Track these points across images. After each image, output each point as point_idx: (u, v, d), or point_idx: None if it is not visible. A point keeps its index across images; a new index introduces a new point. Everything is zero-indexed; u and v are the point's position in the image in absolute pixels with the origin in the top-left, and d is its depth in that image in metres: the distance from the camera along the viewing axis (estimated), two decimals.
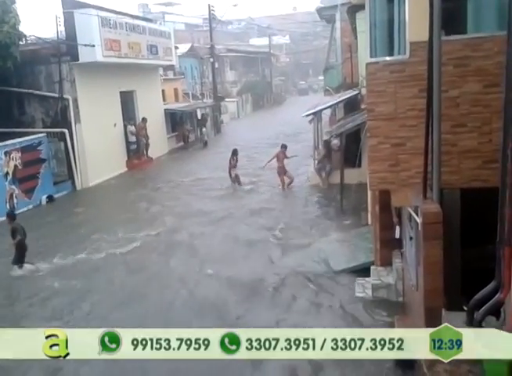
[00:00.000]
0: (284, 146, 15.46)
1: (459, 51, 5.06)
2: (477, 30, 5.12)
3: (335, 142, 14.39)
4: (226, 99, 37.83)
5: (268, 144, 24.19)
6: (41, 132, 15.92)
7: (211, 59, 32.61)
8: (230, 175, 15.95)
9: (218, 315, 7.45)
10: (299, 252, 9.81)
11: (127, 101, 20.56)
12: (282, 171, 15.10)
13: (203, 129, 26.66)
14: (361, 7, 10.90)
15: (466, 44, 5.06)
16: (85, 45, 15.81)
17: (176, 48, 26.95)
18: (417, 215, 5.15)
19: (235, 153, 16.01)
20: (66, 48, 16.24)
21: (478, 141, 5.21)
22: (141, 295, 8.27)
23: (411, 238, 5.88)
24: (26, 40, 16.73)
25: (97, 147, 17.37)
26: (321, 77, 38.51)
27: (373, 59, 5.49)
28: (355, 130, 12.14)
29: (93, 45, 15.92)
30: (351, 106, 15.66)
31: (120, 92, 19.72)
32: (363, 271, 8.29)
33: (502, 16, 3.37)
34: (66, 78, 16.46)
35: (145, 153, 21.00)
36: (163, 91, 25.39)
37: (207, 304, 7.84)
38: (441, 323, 4.19)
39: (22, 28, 15.81)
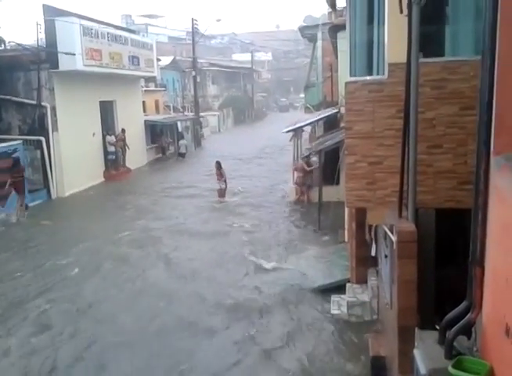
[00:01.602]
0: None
1: (437, 73, 5.16)
2: (454, 53, 5.23)
3: (314, 159, 14.50)
4: (208, 113, 37.90)
5: (247, 159, 24.31)
6: (18, 139, 15.64)
7: (193, 73, 32.69)
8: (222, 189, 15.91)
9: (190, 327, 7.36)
10: (275, 268, 9.77)
11: (106, 111, 20.41)
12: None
13: (181, 141, 26.56)
14: (342, 27, 11.14)
15: (443, 66, 5.16)
16: (66, 53, 15.70)
17: (158, 60, 26.94)
18: (392, 233, 5.19)
19: (218, 166, 15.97)
20: (46, 56, 16.10)
21: (454, 162, 5.29)
22: None
23: (386, 256, 5.91)
24: (5, 46, 16.53)
25: (74, 157, 17.14)
26: (302, 95, 39.01)
27: (353, 79, 5.57)
28: (334, 148, 12.25)
29: (74, 54, 15.83)
30: (331, 124, 15.84)
31: (100, 102, 19.58)
32: (339, 288, 8.31)
33: (479, 41, 3.46)
34: (45, 86, 16.28)
35: (123, 163, 20.81)
36: (144, 102, 25.32)
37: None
38: (414, 342, 4.22)
39: (1, 33, 15.64)
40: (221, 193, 15.82)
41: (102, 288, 9.06)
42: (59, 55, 15.83)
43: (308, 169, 14.71)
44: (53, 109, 16.44)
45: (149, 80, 27.35)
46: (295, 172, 15.33)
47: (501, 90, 3.06)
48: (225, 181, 15.90)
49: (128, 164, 21.11)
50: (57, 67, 16.02)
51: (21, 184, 14.55)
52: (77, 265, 10.19)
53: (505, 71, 3.05)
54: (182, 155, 25.93)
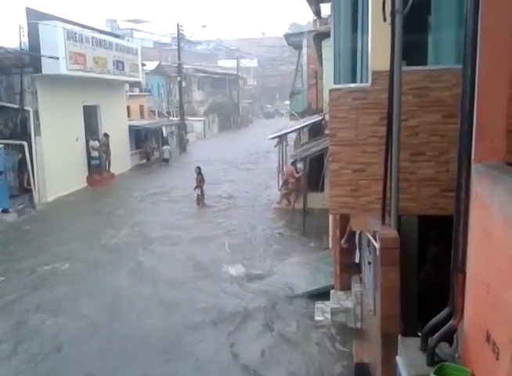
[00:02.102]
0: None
1: (419, 81, 5.20)
2: (437, 62, 5.28)
3: (299, 166, 14.54)
4: (193, 119, 37.83)
5: (233, 164, 24.31)
6: None
7: (179, 78, 32.65)
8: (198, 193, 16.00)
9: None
10: (259, 275, 9.74)
11: (90, 116, 20.23)
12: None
13: (164, 147, 26.45)
14: (327, 35, 11.23)
15: (426, 75, 5.21)
16: (49, 57, 15.51)
17: (143, 65, 26.85)
18: (376, 240, 5.21)
19: (199, 171, 16.08)
20: (29, 60, 15.87)
21: (436, 170, 5.33)
22: None
23: (369, 263, 5.93)
24: None
25: (57, 161, 16.93)
26: (287, 102, 39.13)
27: (337, 86, 5.59)
28: (319, 155, 12.31)
29: (57, 58, 15.65)
30: (316, 131, 15.93)
31: (84, 107, 19.41)
32: (323, 295, 8.31)
33: (461, 50, 3.51)
34: (27, 90, 16.06)
35: (106, 168, 20.62)
36: (128, 107, 25.18)
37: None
38: (397, 349, 4.22)
39: None
40: (200, 198, 15.93)
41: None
42: (43, 59, 15.63)
43: (297, 175, 14.70)
44: (36, 113, 16.21)
45: (134, 85, 27.23)
46: (289, 178, 15.29)
47: (482, 98, 3.10)
48: (201, 187, 16.01)
49: (111, 170, 20.90)
50: (40, 71, 15.82)
51: None
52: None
53: (485, 80, 3.09)
54: (166, 161, 25.84)
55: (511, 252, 2.52)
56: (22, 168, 15.73)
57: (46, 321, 7.85)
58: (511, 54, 3.14)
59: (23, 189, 15.73)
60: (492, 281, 2.87)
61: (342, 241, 7.50)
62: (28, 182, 15.68)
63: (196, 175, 16.07)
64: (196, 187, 15.99)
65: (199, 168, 16.31)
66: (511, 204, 2.49)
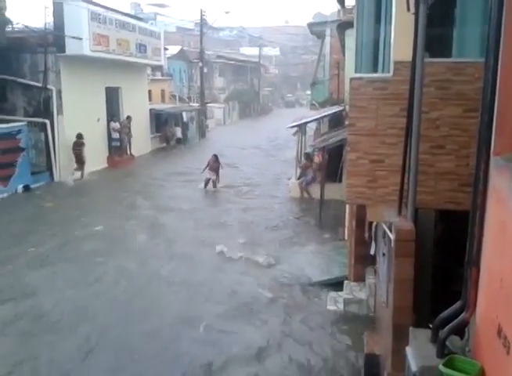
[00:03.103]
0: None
1: (442, 74, 5.14)
2: (460, 56, 5.22)
3: (317, 155, 14.49)
4: (213, 105, 37.87)
5: (251, 152, 24.32)
6: (22, 121, 15.67)
7: (200, 64, 32.65)
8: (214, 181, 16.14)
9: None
10: (273, 262, 9.79)
11: (112, 97, 20.42)
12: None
13: (176, 128, 26.56)
14: (350, 24, 11.09)
15: (449, 67, 5.14)
16: (73, 38, 15.69)
17: (166, 49, 26.91)
18: (391, 231, 5.20)
19: (216, 159, 16.27)
20: (53, 39, 16.10)
21: (456, 164, 5.28)
22: None
23: (384, 254, 5.92)
24: (13, 27, 16.51)
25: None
26: (308, 92, 38.88)
27: (358, 75, 5.56)
28: (338, 145, 12.23)
29: (81, 38, 15.83)
30: (336, 121, 15.81)
31: (106, 88, 19.59)
32: (336, 285, 8.33)
33: (485, 45, 3.48)
34: (51, 69, 16.28)
35: (127, 150, 20.83)
36: (149, 91, 25.31)
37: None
38: (407, 340, 4.24)
39: (9, 14, 15.64)
40: (214, 183, 16.18)
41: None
42: (66, 39, 15.82)
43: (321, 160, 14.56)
44: (59, 92, 16.44)
45: (156, 69, 27.33)
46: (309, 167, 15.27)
47: (503, 91, 3.07)
48: (214, 173, 16.19)
49: (132, 152, 21.14)
50: (64, 51, 16.01)
51: None
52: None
53: (507, 73, 3.06)
54: (179, 140, 25.96)
55: None
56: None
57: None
58: None
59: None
60: (505, 275, 2.86)
61: (366, 234, 7.47)
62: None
63: (212, 163, 16.19)
64: (211, 173, 16.14)
65: (215, 155, 16.48)
66: None
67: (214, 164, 16.18)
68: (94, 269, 9.27)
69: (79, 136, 16.98)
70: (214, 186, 16.19)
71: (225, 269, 9.55)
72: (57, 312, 7.60)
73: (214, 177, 16.16)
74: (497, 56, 3.15)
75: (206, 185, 16.16)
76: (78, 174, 16.96)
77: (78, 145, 17.00)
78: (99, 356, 6.42)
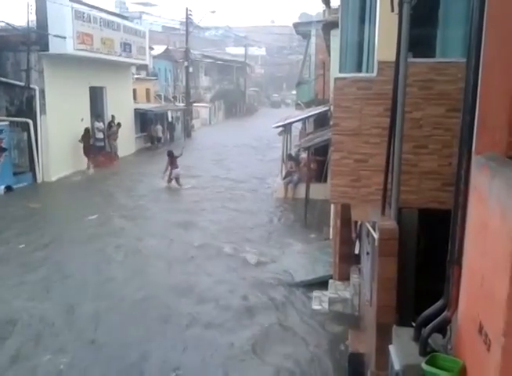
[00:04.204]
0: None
1: (425, 74, 5.18)
2: (443, 55, 5.27)
3: (303, 156, 14.52)
4: (199, 105, 37.74)
5: (237, 153, 24.30)
6: (4, 121, 15.44)
7: (186, 63, 32.52)
8: (169, 176, 16.26)
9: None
10: (259, 263, 9.79)
11: (96, 97, 20.24)
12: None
13: (157, 126, 26.38)
14: (335, 24, 11.09)
15: (432, 67, 5.19)
16: (56, 36, 15.49)
17: (151, 48, 26.75)
18: (375, 230, 5.22)
19: (170, 154, 16.34)
20: (37, 38, 15.89)
21: (438, 163, 5.33)
22: None
23: (368, 253, 5.95)
24: None
25: (62, 141, 17.00)
26: (294, 92, 38.98)
27: (342, 75, 5.57)
28: (323, 145, 12.28)
29: (64, 37, 15.64)
30: (321, 121, 15.88)
31: (90, 87, 19.40)
32: (322, 284, 8.35)
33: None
34: (34, 68, 16.07)
35: (113, 152, 20.67)
36: (134, 90, 25.12)
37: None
38: (391, 339, 4.26)
39: None
40: (170, 179, 16.27)
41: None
42: (50, 37, 15.62)
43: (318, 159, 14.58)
44: (42, 92, 16.24)
45: (141, 68, 27.15)
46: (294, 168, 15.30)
47: (484, 91, 3.10)
48: (172, 169, 16.25)
49: (116, 152, 20.97)
50: (47, 50, 15.82)
51: None
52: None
53: (489, 72, 3.09)
54: (159, 140, 25.80)
55: (506, 245, 2.53)
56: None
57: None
58: None
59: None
60: (486, 273, 2.89)
61: (353, 234, 7.50)
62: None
63: (168, 158, 16.29)
64: (172, 169, 16.23)
65: (171, 151, 16.65)
66: (508, 197, 2.50)
67: (170, 160, 16.25)
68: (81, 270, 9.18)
69: (87, 130, 18.18)
70: (178, 183, 16.30)
71: (207, 267, 9.53)
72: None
73: (178, 171, 16.28)
74: (479, 56, 3.18)
75: (172, 181, 16.27)
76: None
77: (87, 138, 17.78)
78: None
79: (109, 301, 7.93)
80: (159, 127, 26.62)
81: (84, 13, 16.90)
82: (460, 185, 3.30)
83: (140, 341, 6.74)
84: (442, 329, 3.72)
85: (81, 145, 18.42)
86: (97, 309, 7.66)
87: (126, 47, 20.64)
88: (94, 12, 17.84)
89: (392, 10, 4.61)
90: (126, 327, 7.16)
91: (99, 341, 6.77)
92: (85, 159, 18.76)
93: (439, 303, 3.66)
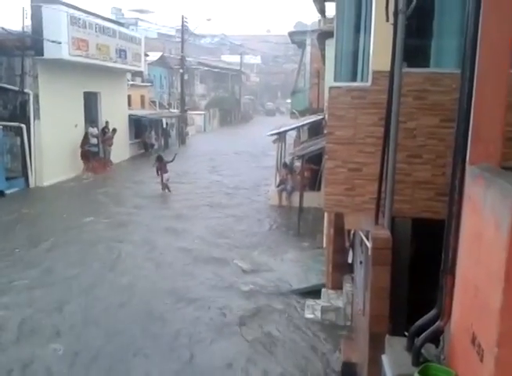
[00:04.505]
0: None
1: (420, 84, 5.21)
2: (438, 66, 5.31)
3: (297, 164, 14.54)
4: (194, 112, 37.79)
5: (232, 160, 24.31)
6: None
7: (181, 70, 32.58)
8: (162, 181, 16.30)
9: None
10: (250, 271, 9.75)
11: (90, 103, 20.21)
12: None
13: (151, 133, 26.38)
14: (330, 34, 11.19)
15: (426, 78, 5.22)
16: (51, 41, 15.47)
17: (146, 55, 26.78)
18: (368, 239, 5.22)
19: (160, 159, 16.44)
20: (32, 43, 15.85)
21: (432, 173, 5.35)
22: None
23: (361, 262, 5.94)
24: None
25: (55, 146, 16.92)
26: (289, 100, 39.10)
27: (337, 84, 5.60)
28: (317, 154, 12.30)
29: (60, 42, 15.62)
30: (316, 130, 15.94)
31: (84, 93, 19.38)
32: (314, 293, 8.33)
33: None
34: (28, 73, 16.03)
35: (107, 158, 20.60)
36: (129, 96, 25.11)
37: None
38: (384, 348, 4.24)
39: None
40: (164, 184, 16.33)
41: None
42: (45, 42, 15.60)
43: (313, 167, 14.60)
44: (36, 96, 16.19)
45: (136, 74, 27.17)
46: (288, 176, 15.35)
47: (479, 102, 3.11)
48: (161, 174, 16.28)
49: (110, 158, 20.91)
50: (42, 55, 15.79)
51: None
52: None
53: (483, 84, 3.11)
54: (152, 146, 25.81)
55: (500, 256, 2.53)
56: None
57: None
58: (509, 59, 3.17)
59: None
60: (480, 284, 2.89)
61: (346, 243, 7.50)
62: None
63: (157, 164, 16.36)
64: (162, 174, 16.27)
65: (160, 156, 16.79)
66: (503, 208, 2.51)
67: (159, 165, 16.30)
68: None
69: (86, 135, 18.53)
70: (167, 188, 16.36)
71: (196, 273, 9.50)
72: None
73: (167, 175, 16.32)
74: (473, 66, 3.20)
75: (166, 187, 16.32)
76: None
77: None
78: None
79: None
80: (153, 133, 26.63)
81: (79, 19, 16.91)
82: (454, 195, 3.31)
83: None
84: (435, 339, 3.71)
85: (77, 150, 18.40)
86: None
87: (121, 53, 20.66)
88: (90, 18, 17.86)
89: (387, 20, 4.64)
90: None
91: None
92: (80, 165, 18.75)
93: (432, 313, 3.65)
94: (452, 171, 3.33)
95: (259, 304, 8.24)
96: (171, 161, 16.79)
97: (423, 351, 3.66)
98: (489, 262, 2.70)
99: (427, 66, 5.37)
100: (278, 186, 15.61)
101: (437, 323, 3.57)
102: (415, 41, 5.18)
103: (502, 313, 2.49)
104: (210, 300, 8.32)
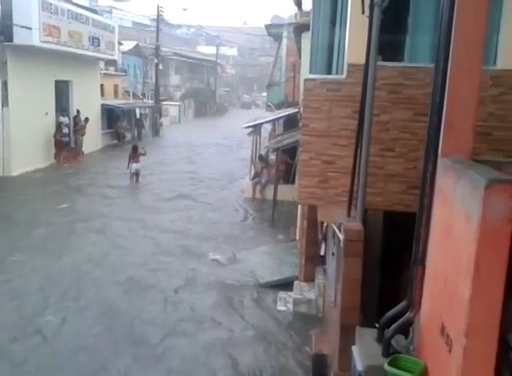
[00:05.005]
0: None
1: (394, 78, 5.24)
2: (412, 61, 5.35)
3: (272, 157, 14.53)
4: (168, 103, 37.35)
5: (207, 152, 24.15)
6: None
7: (156, 60, 32.10)
8: (130, 170, 16.11)
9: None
10: (224, 263, 9.72)
11: (61, 91, 19.74)
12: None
13: (123, 123, 25.97)
14: (307, 27, 11.15)
15: (400, 72, 5.25)
16: (21, 27, 15.01)
17: (120, 44, 26.32)
18: (340, 231, 5.25)
19: (135, 148, 16.27)
20: (1, 28, 15.35)
21: (404, 166, 5.40)
22: None
23: (333, 254, 5.98)
24: None
25: (25, 135, 16.47)
26: (264, 93, 39.08)
27: (312, 76, 5.58)
28: (292, 147, 12.32)
29: (30, 28, 15.18)
30: (291, 123, 15.94)
31: (56, 81, 18.90)
32: (287, 285, 8.35)
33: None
34: None
35: (79, 148, 20.17)
36: (102, 86, 24.62)
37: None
38: (354, 340, 4.27)
39: None
40: (136, 177, 16.14)
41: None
42: (15, 28, 15.14)
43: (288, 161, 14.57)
44: (4, 83, 15.70)
45: (109, 63, 26.63)
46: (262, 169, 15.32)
47: (452, 95, 3.14)
48: (131, 163, 16.10)
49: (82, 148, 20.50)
50: (11, 41, 15.33)
51: None
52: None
53: (456, 77, 3.13)
54: (124, 137, 25.39)
55: (470, 247, 2.56)
56: None
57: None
58: (482, 54, 3.21)
59: None
60: (449, 275, 2.92)
61: (319, 235, 7.53)
62: None
63: (132, 153, 16.18)
64: (135, 163, 16.07)
65: (135, 146, 16.58)
66: (473, 199, 2.53)
67: (133, 154, 16.15)
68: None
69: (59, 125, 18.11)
70: (136, 178, 16.18)
71: (167, 265, 9.42)
72: None
73: (138, 166, 16.09)
74: (447, 60, 3.22)
75: (135, 178, 16.14)
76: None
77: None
78: None
79: None
80: (125, 124, 26.22)
81: (51, 4, 16.45)
82: (426, 187, 3.33)
83: None
84: (405, 330, 3.75)
85: (48, 139, 17.97)
86: None
87: (94, 41, 20.22)
88: (62, 4, 17.40)
89: (363, 12, 4.65)
90: None
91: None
92: (52, 154, 18.32)
93: (402, 304, 3.69)
94: (424, 164, 3.36)
95: (230, 296, 8.22)
96: (144, 154, 16.55)
97: (393, 342, 3.69)
98: (459, 253, 2.73)
99: (402, 60, 5.41)
100: (252, 178, 15.58)
101: (407, 315, 3.61)
102: (390, 36, 5.21)
103: (471, 304, 2.53)
104: (178, 295, 8.24)
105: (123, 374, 5.97)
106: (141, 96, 32.14)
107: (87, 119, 20.25)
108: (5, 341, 6.49)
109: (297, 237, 10.17)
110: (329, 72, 5.61)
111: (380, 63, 4.95)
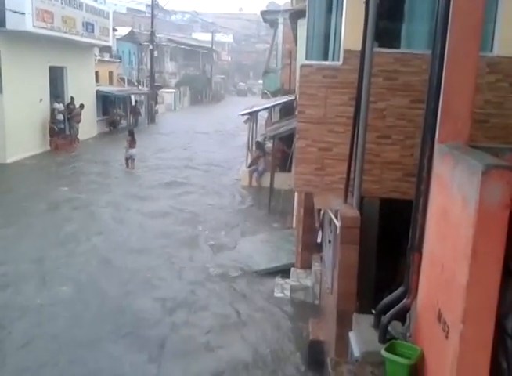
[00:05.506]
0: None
1: (390, 64, 5.19)
2: (408, 47, 5.31)
3: (269, 145, 14.48)
4: (164, 90, 37.08)
5: (203, 139, 24.06)
6: None
7: (151, 47, 31.78)
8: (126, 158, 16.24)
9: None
10: (222, 250, 9.75)
11: (56, 77, 19.56)
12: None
13: (118, 110, 25.77)
14: (303, 13, 11.02)
15: (397, 58, 5.20)
16: (14, 12, 14.80)
17: (115, 30, 26.01)
18: (337, 219, 5.25)
19: (131, 134, 16.29)
20: None
21: (401, 154, 5.38)
22: None
23: (330, 241, 5.99)
24: None
25: (19, 122, 16.36)
26: (260, 81, 38.82)
27: (308, 62, 5.53)
28: (289, 134, 12.27)
29: (23, 13, 14.97)
30: (287, 111, 15.87)
31: (50, 67, 18.70)
32: (284, 272, 8.39)
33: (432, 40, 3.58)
34: None
35: (75, 135, 20.03)
36: (97, 72, 24.39)
37: None
38: (351, 326, 4.30)
39: None
40: (131, 162, 16.24)
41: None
42: (7, 13, 14.91)
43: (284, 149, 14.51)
44: None
45: (104, 50, 26.32)
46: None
47: (448, 81, 3.12)
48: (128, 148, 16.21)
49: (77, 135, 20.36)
50: (4, 26, 15.11)
51: None
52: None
53: (453, 63, 3.12)
54: (119, 124, 25.30)
55: (467, 233, 2.56)
56: None
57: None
58: (479, 41, 3.19)
59: None
60: (446, 261, 2.93)
61: (316, 223, 7.54)
62: None
63: (129, 137, 16.22)
64: (131, 148, 16.17)
65: (131, 130, 16.63)
66: (470, 185, 2.53)
67: (130, 139, 16.17)
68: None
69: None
70: (130, 164, 16.27)
71: (168, 252, 9.43)
72: None
73: (133, 152, 16.18)
74: (444, 46, 3.20)
75: (130, 163, 16.22)
76: None
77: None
78: None
79: None
80: (121, 111, 26.05)
81: None
82: (423, 173, 3.33)
83: None
84: (402, 316, 3.77)
85: (44, 126, 17.84)
86: None
87: (88, 27, 19.98)
88: None
89: None
90: None
91: None
92: (47, 141, 18.19)
93: (399, 290, 3.71)
94: (421, 150, 3.35)
95: (228, 283, 8.25)
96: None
97: (389, 328, 3.72)
98: (456, 238, 2.74)
99: (398, 47, 5.36)
100: (249, 166, 15.55)
101: (403, 301, 3.63)
102: (386, 23, 5.16)
103: (468, 290, 2.53)
104: (176, 283, 8.27)
105: None
106: (136, 83, 31.88)
107: (82, 106, 20.08)
108: None
109: (294, 225, 10.19)
110: (325, 58, 5.55)
111: (377, 49, 4.91)
